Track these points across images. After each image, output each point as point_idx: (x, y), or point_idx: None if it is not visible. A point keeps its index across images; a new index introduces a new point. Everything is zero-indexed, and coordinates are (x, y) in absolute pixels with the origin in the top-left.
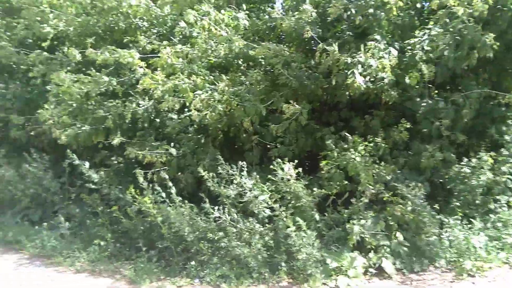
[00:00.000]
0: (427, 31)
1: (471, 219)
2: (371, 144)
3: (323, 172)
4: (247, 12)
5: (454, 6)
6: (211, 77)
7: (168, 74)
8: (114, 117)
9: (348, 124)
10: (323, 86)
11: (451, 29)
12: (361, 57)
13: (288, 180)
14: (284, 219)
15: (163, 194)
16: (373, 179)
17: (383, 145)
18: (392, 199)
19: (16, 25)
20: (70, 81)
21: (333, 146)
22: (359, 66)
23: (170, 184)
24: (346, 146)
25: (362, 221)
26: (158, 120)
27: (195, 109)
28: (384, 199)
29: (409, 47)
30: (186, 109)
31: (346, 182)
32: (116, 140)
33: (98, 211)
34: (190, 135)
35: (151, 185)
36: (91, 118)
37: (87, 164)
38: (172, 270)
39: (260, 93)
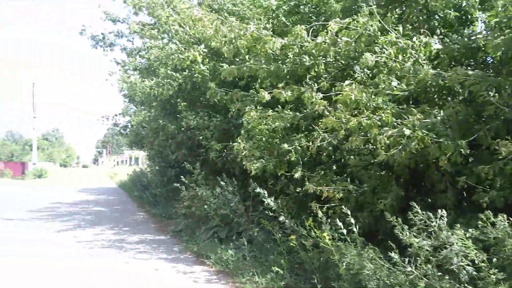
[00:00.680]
0: None
1: None
2: None
3: None
4: (441, 36)
5: None
6: (399, 110)
7: (352, 110)
8: (297, 151)
9: None
10: None
11: None
12: None
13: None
14: (493, 283)
15: (344, 231)
16: None
17: None
18: None
19: (219, 67)
20: (259, 118)
21: None
22: None
23: (352, 221)
24: None
25: None
26: (338, 155)
27: (381, 148)
28: None
29: None
30: (369, 144)
31: None
32: (298, 174)
33: (276, 238)
34: (371, 171)
35: (329, 219)
36: (276, 152)
37: (265, 192)
38: None
39: (460, 127)
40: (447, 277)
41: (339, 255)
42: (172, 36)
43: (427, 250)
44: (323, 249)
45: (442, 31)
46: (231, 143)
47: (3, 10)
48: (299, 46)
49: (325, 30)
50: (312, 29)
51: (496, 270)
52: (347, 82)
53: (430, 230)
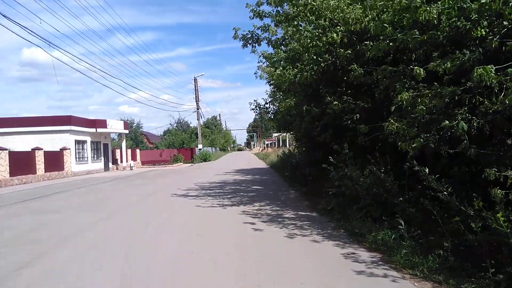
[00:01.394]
0: None
1: None
2: None
3: None
4: None
5: None
6: None
7: None
8: (461, 127)
9: None
10: None
11: None
12: None
13: None
14: None
15: None
16: None
17: None
18: None
19: (362, 49)
20: (413, 98)
21: None
22: None
23: None
24: None
25: None
26: None
27: None
28: None
29: None
30: None
31: None
32: (471, 152)
33: (438, 219)
34: None
35: (503, 201)
36: (435, 129)
37: (427, 170)
38: None
39: None
40: None
41: None
42: (311, 22)
43: None
44: (495, 231)
45: None
46: (379, 123)
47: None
48: (455, 9)
49: None
50: None
51: None
52: None
53: None
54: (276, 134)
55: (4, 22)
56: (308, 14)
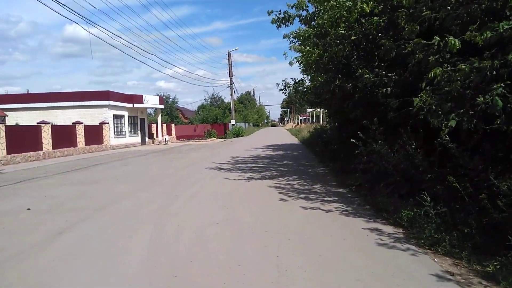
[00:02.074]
0: None
1: None
2: None
3: None
4: None
5: None
6: None
7: None
8: (496, 102)
9: None
10: None
11: None
12: None
13: None
14: None
15: None
16: None
17: None
18: None
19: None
20: (446, 73)
21: None
22: None
23: None
24: None
25: None
26: None
27: None
28: None
29: None
30: None
31: None
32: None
33: (465, 196)
34: None
35: None
36: (469, 104)
37: (458, 147)
38: None
39: None
40: None
41: None
42: None
43: None
44: None
45: None
46: (412, 98)
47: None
48: None
49: None
50: None
51: None
52: None
53: None
54: (310, 110)
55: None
56: None
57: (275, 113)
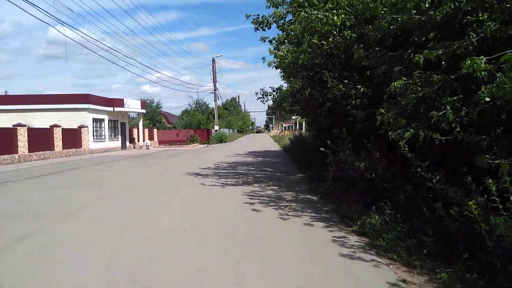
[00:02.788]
0: None
1: None
2: None
3: None
4: None
5: None
6: None
7: None
8: (449, 116)
9: None
10: None
11: None
12: None
13: None
14: None
15: (497, 199)
16: None
17: None
18: None
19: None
20: (404, 86)
21: None
22: None
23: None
24: None
25: None
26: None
27: None
28: None
29: None
30: None
31: None
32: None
33: (422, 205)
34: None
35: (481, 188)
36: (426, 118)
37: (415, 158)
38: None
39: None
40: None
41: (486, 225)
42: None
43: None
44: (470, 219)
45: None
46: (377, 109)
47: None
48: None
49: None
50: None
51: None
52: None
53: None
54: (294, 117)
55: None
56: None
57: (260, 119)
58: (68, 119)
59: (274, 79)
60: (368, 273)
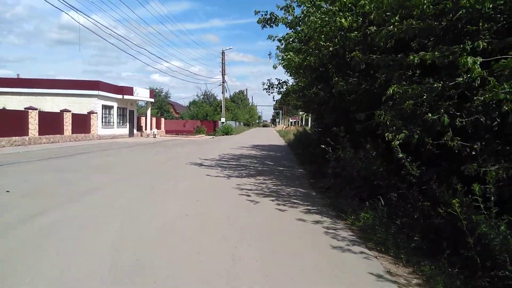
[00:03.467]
0: None
1: None
2: None
3: None
4: None
5: None
6: None
7: None
8: (444, 121)
9: None
10: None
11: None
12: None
13: None
14: None
15: (479, 199)
16: None
17: None
18: None
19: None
20: (403, 91)
21: None
22: None
23: (492, 189)
24: None
25: None
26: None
27: None
28: None
29: None
30: None
31: None
32: (453, 143)
33: (413, 203)
34: None
35: (465, 187)
36: (422, 121)
37: (408, 157)
38: (474, 285)
39: None
40: None
41: (468, 223)
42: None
43: None
44: (454, 216)
45: None
46: (376, 111)
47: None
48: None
49: None
50: None
51: None
52: None
53: None
54: (301, 113)
55: None
56: None
57: (267, 114)
58: (78, 104)
59: (283, 74)
60: (357, 263)
